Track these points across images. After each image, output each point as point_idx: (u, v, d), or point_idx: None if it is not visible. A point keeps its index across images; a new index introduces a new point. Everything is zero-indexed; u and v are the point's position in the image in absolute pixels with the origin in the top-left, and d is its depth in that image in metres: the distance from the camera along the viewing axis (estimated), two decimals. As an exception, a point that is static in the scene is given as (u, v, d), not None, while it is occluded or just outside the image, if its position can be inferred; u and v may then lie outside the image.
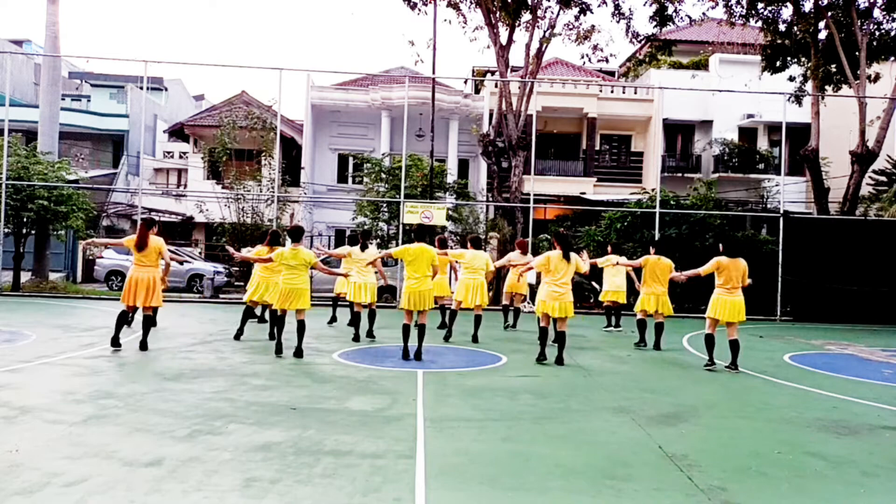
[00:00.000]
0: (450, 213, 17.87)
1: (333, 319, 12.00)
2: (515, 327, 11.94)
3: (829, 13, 18.34)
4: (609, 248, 12.47)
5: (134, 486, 3.71)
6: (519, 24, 18.63)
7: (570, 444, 4.85)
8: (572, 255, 8.43)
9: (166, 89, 38.73)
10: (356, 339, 9.81)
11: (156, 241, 8.35)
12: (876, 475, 4.36)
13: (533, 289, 11.99)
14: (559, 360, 8.26)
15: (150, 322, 8.54)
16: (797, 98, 20.18)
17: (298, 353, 8.21)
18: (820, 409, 6.26)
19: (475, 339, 10.05)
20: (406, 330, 8.25)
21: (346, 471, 4.08)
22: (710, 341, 8.38)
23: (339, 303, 12.07)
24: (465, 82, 28.72)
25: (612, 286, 11.98)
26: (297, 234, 8.50)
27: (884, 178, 22.77)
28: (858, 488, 4.11)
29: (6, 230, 16.58)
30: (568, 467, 4.31)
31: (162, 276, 8.56)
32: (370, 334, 10.10)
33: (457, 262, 10.72)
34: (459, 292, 10.44)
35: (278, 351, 8.28)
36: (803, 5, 19.00)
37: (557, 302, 8.24)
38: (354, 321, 10.17)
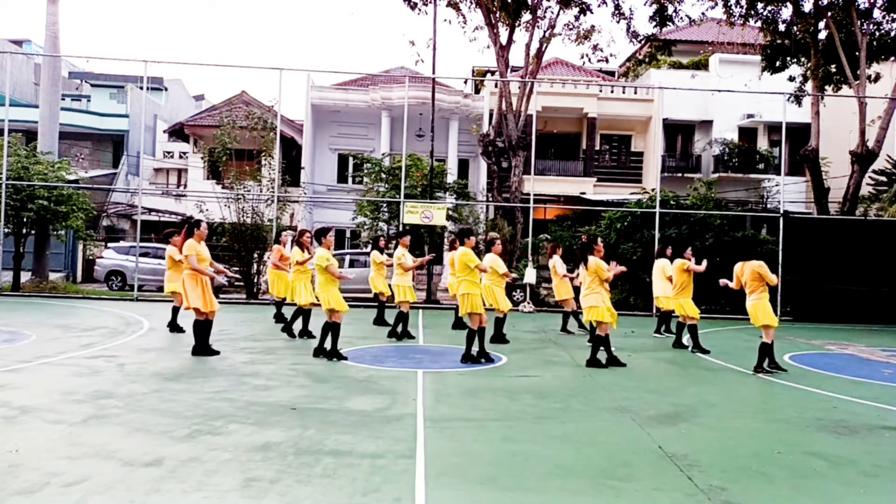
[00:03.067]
0: (450, 213, 17.85)
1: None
2: (564, 331, 11.72)
3: (829, 13, 18.31)
4: (669, 251, 11.72)
5: (134, 486, 3.72)
6: (519, 24, 18.62)
7: (570, 444, 4.85)
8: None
9: (166, 89, 38.76)
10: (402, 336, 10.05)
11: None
12: (876, 475, 4.36)
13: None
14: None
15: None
16: (797, 98, 20.15)
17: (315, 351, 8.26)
18: (820, 409, 6.26)
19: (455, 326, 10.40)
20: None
21: (346, 471, 4.08)
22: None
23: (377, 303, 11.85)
24: (465, 82, 28.71)
25: (661, 292, 11.43)
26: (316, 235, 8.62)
27: (884, 178, 22.75)
28: (858, 488, 4.11)
29: (6, 230, 16.55)
30: (568, 467, 4.31)
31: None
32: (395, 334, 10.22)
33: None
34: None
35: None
36: (803, 5, 18.98)
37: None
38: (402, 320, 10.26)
